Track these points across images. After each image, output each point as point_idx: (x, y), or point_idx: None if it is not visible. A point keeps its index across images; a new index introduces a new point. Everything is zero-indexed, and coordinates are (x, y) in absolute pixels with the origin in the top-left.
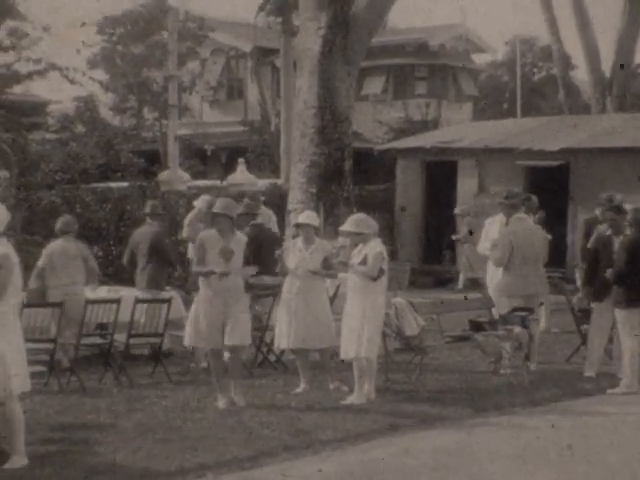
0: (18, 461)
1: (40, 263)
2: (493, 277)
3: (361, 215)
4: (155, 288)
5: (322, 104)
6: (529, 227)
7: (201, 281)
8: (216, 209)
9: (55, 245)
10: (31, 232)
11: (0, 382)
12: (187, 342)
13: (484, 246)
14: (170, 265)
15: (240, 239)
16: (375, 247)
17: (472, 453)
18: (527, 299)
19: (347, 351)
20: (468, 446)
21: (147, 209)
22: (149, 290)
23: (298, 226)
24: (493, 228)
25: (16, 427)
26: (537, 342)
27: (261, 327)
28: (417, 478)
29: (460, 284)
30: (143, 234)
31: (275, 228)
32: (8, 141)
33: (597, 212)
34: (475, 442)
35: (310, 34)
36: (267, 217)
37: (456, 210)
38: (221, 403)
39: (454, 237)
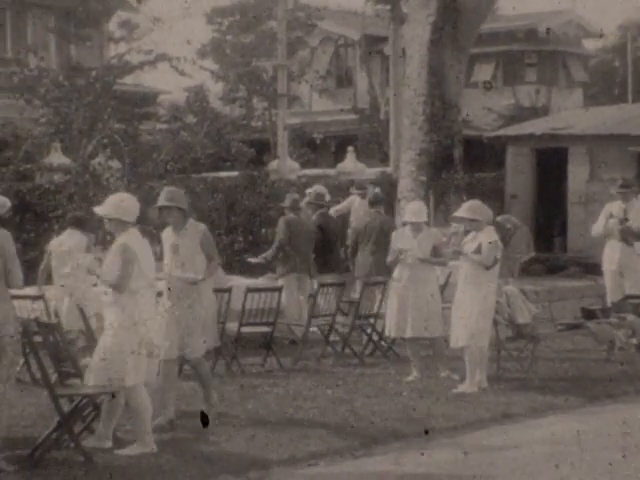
0: (138, 448)
1: None
2: (610, 264)
3: (476, 202)
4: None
5: (431, 92)
6: None
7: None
8: (160, 202)
9: None
10: (144, 222)
11: (116, 373)
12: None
13: (598, 228)
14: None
15: (196, 230)
16: (490, 235)
17: (585, 442)
18: None
19: (458, 339)
20: (580, 435)
21: (287, 202)
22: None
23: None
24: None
25: (141, 417)
26: None
27: (372, 315)
28: (529, 467)
29: None
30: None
31: None
32: (120, 132)
33: None
34: (587, 431)
35: (419, 21)
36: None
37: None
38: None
39: None
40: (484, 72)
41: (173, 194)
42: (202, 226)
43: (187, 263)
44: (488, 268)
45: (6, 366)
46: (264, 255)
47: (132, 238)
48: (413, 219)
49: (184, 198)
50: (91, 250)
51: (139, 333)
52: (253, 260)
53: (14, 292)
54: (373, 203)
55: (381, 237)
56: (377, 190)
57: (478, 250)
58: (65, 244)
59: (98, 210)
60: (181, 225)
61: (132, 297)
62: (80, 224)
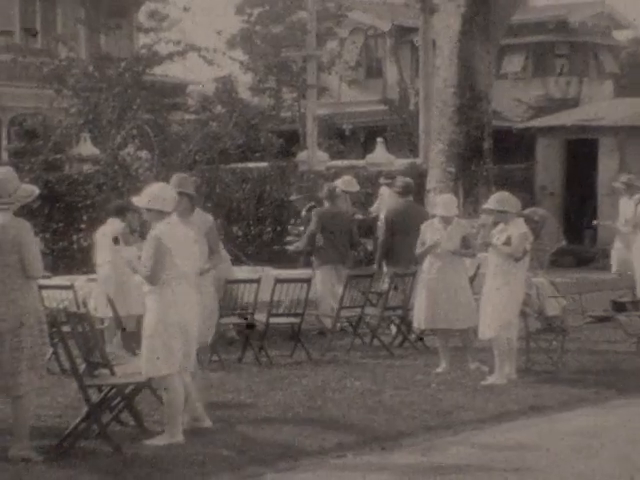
0: (166, 439)
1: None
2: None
3: (505, 193)
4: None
5: (461, 82)
6: None
7: None
8: (172, 186)
9: None
10: None
11: (147, 362)
12: None
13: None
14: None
15: (203, 220)
16: (519, 227)
17: (615, 435)
18: None
19: (486, 331)
20: (610, 428)
21: (323, 192)
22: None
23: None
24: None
25: (171, 407)
26: None
27: (402, 307)
28: (559, 459)
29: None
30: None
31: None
32: (149, 122)
33: None
34: (617, 424)
35: (450, 12)
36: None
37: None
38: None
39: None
40: (514, 63)
41: (182, 180)
42: (209, 217)
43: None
44: (517, 260)
45: (28, 356)
46: (297, 244)
47: (167, 229)
48: (444, 213)
49: (193, 185)
50: (130, 241)
51: (175, 322)
52: (290, 248)
53: (43, 282)
54: (404, 193)
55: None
56: (408, 179)
57: (507, 242)
58: (107, 233)
59: (136, 201)
60: (188, 213)
61: (167, 287)
62: (121, 213)
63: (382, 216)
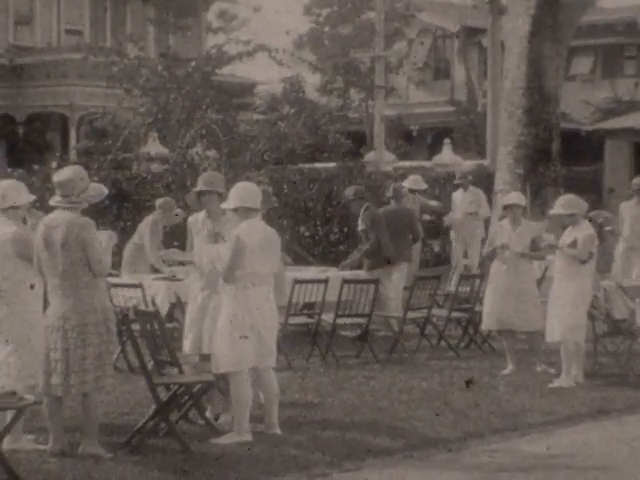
0: (234, 437)
1: None
2: None
3: (570, 196)
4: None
5: (530, 84)
6: None
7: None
8: (200, 185)
9: None
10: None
11: (217, 358)
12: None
13: None
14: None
15: (233, 219)
16: (586, 229)
17: None
18: None
19: (553, 334)
20: None
21: (390, 192)
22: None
23: (505, 208)
24: None
25: (240, 406)
26: None
27: (468, 308)
28: (626, 463)
29: None
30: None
31: (486, 209)
32: (217, 122)
33: None
34: None
35: (519, 13)
36: (477, 196)
37: None
38: None
39: None
40: (583, 65)
41: (213, 178)
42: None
43: None
44: (583, 262)
45: (95, 354)
46: (345, 263)
47: (248, 228)
48: (515, 201)
49: (224, 183)
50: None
51: (247, 321)
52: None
53: (112, 280)
54: (392, 197)
55: None
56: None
57: (573, 244)
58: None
59: (225, 206)
60: (220, 213)
61: (242, 286)
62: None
63: None
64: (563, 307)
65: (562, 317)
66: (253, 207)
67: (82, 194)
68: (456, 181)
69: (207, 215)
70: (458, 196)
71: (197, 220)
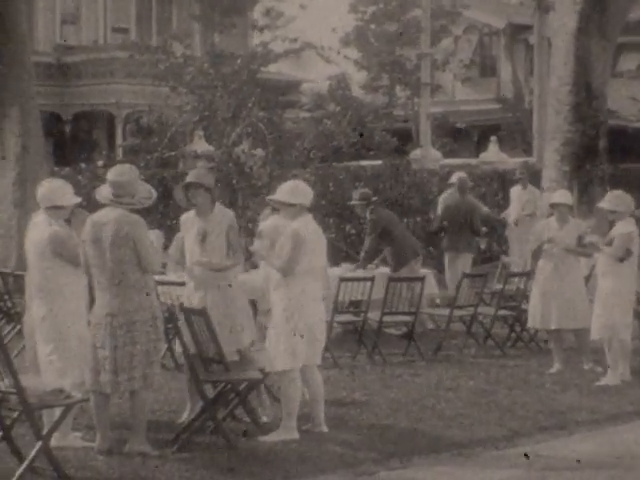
0: (281, 435)
1: None
2: None
3: (618, 192)
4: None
5: (577, 81)
6: None
7: None
8: (189, 178)
9: None
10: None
11: (271, 356)
12: None
13: None
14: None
15: (225, 215)
16: (626, 227)
17: None
18: None
19: (598, 332)
20: None
21: (455, 183)
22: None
23: (552, 206)
24: None
25: (289, 403)
26: None
27: (515, 306)
28: None
29: None
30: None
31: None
32: (263, 120)
33: None
34: None
35: (566, 10)
36: (534, 196)
37: None
38: None
39: None
40: (630, 62)
41: (202, 173)
42: (230, 213)
43: (216, 252)
44: (621, 260)
45: (142, 352)
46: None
47: (305, 224)
48: (562, 200)
49: (212, 179)
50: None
51: (302, 317)
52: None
53: (158, 278)
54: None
55: None
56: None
57: (611, 242)
58: None
59: (275, 197)
60: (208, 209)
61: (299, 281)
62: None
63: None
64: (606, 305)
65: (606, 315)
66: (305, 205)
67: (135, 197)
68: (516, 176)
69: (196, 213)
70: (516, 192)
71: (188, 218)
